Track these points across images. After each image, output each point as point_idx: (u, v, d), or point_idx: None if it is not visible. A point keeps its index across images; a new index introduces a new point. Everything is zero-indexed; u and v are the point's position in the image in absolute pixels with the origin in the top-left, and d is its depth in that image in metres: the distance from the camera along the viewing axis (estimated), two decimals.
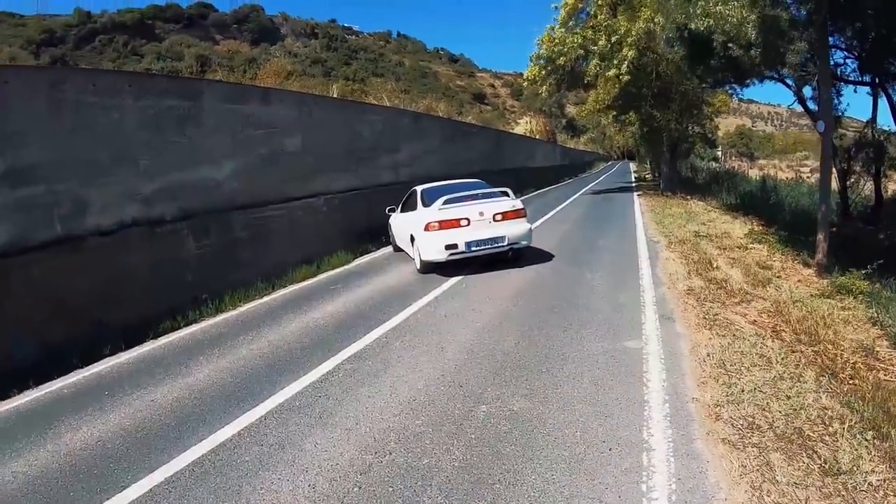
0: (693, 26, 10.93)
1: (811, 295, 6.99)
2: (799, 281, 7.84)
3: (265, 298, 8.62)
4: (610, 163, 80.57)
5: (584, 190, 29.60)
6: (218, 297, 8.13)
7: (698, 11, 10.53)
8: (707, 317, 6.14)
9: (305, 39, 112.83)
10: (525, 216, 9.34)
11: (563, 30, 21.85)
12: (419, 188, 10.12)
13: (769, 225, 12.44)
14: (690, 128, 27.20)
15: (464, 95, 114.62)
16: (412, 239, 9.48)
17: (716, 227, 12.76)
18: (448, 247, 8.62)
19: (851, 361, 4.76)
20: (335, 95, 19.11)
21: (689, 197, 20.47)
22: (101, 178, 6.93)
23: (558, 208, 19.34)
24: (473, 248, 8.74)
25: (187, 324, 7.43)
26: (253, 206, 9.43)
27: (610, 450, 3.65)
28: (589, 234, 12.96)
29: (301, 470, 3.64)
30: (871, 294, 6.52)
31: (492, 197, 9.35)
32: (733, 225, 13.15)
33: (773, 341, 5.31)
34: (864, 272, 6.98)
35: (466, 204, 9.01)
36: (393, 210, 11.39)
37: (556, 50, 21.58)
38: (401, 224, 10.62)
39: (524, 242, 9.22)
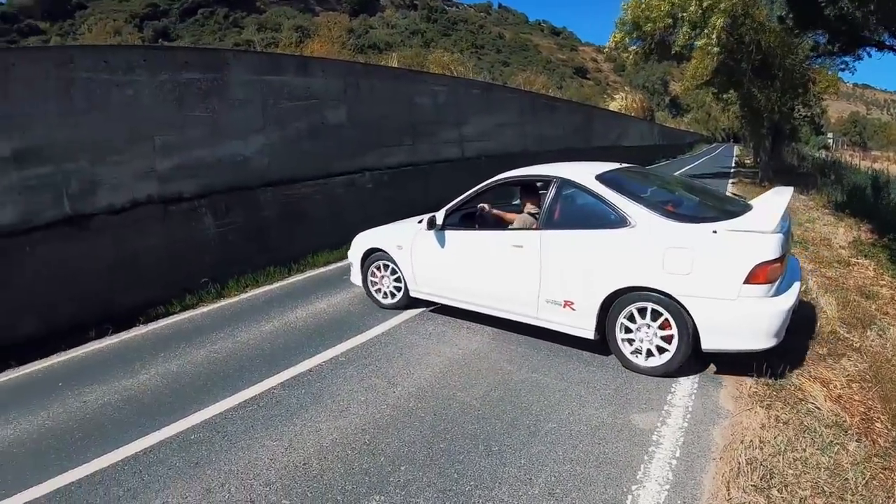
0: None
1: None
2: None
3: (274, 285, 7.89)
4: (713, 145, 75.85)
5: (677, 172, 27.00)
6: (221, 283, 7.60)
7: None
8: (770, 383, 4.10)
9: (405, 10, 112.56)
10: None
11: None
12: (579, 178, 4.73)
13: (882, 233, 9.87)
14: (795, 109, 24.34)
15: (565, 69, 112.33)
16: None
17: (814, 231, 10.39)
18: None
19: None
20: (395, 65, 17.84)
21: None
22: (114, 157, 6.64)
23: None
24: None
25: (183, 308, 6.94)
26: (284, 182, 8.84)
27: None
28: None
29: None
30: None
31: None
32: (836, 228, 10.70)
33: (857, 442, 3.36)
34: None
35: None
36: (433, 223, 5.48)
37: (642, 15, 19.03)
38: (501, 257, 5.06)
39: None
